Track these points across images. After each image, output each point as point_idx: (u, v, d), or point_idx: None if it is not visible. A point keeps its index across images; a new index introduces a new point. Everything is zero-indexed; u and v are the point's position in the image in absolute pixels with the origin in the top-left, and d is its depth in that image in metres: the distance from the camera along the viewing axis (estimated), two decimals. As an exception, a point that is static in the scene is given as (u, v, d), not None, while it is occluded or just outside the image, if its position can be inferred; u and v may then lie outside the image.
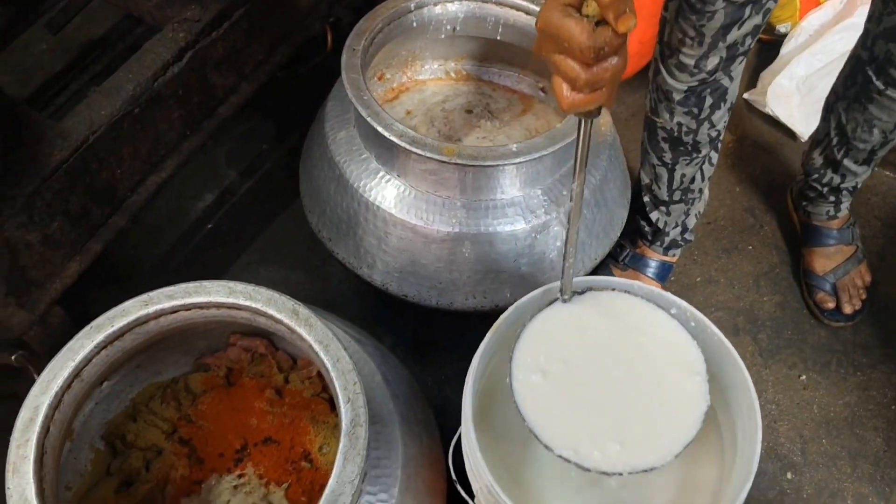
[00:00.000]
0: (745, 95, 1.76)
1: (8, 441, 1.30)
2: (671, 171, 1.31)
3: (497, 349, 0.99)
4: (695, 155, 1.27)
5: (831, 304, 1.47)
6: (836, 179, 1.42)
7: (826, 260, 1.49)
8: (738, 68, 1.15)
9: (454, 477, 1.01)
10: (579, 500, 1.00)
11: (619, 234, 1.33)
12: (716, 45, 1.08)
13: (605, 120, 1.29)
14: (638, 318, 0.94)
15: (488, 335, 0.96)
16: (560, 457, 0.84)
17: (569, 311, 0.94)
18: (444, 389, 1.38)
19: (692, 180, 1.33)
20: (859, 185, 1.44)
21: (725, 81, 1.16)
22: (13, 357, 1.15)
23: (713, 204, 1.62)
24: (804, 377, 1.42)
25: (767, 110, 1.72)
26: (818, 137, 1.42)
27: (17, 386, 1.27)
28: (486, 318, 1.43)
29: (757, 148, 1.73)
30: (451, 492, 1.09)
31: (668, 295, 0.99)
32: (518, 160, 1.10)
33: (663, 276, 1.49)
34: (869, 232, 1.59)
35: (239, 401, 1.18)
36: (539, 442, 0.85)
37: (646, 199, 1.41)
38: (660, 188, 1.36)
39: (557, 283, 0.95)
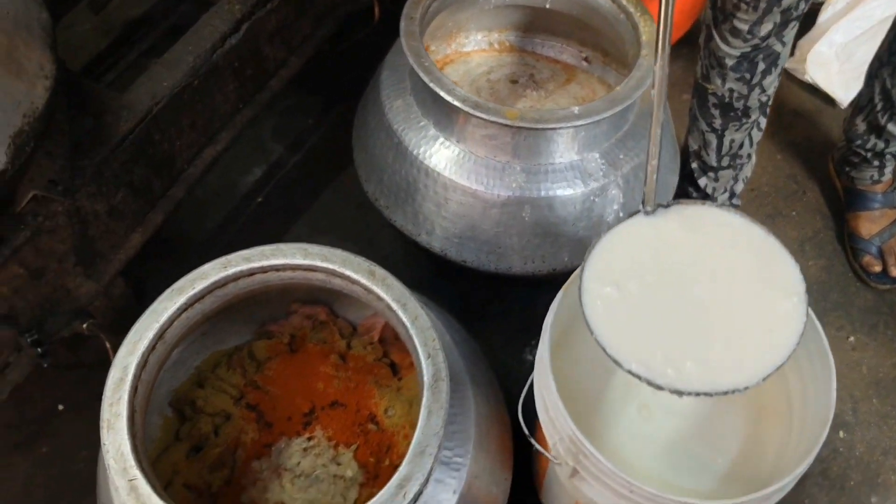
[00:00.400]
0: (784, 65, 1.77)
1: (76, 407, 1.33)
2: (720, 137, 1.32)
3: (570, 304, 1.00)
4: (744, 120, 1.28)
5: (878, 268, 1.48)
6: (881, 145, 1.43)
7: (871, 224, 1.51)
8: (791, 33, 1.16)
9: (526, 431, 1.03)
10: (648, 450, 1.02)
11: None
12: (770, 9, 1.08)
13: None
14: (729, 233, 0.87)
15: (563, 289, 0.97)
16: (629, 372, 0.80)
17: (651, 223, 0.88)
18: (497, 355, 1.40)
19: (741, 146, 1.34)
20: None
21: (778, 47, 1.17)
22: (84, 325, 1.17)
23: (755, 171, 1.63)
24: (852, 339, 1.44)
25: (806, 78, 1.73)
26: (861, 103, 1.43)
27: (80, 356, 1.30)
28: (536, 286, 1.45)
29: (797, 116, 1.74)
30: (516, 451, 1.12)
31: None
32: (580, 122, 1.11)
33: (710, 242, 1.50)
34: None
35: (304, 366, 1.20)
36: (607, 356, 0.81)
37: (694, 165, 1.42)
38: (708, 154, 1.37)
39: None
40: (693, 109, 1.35)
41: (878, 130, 1.41)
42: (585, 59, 1.52)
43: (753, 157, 1.43)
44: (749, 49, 1.16)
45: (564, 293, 0.98)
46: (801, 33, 1.78)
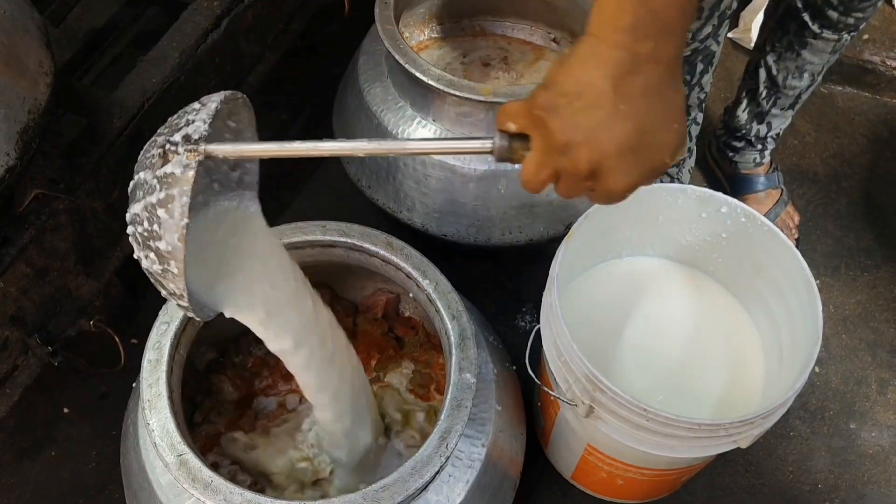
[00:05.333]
0: (730, 35, 1.87)
1: (80, 409, 1.33)
2: None
3: (568, 258, 1.06)
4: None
5: None
6: (763, 130, 1.50)
7: (759, 205, 1.56)
8: (724, 31, 1.22)
9: (538, 381, 1.09)
10: (647, 392, 1.08)
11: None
12: (712, 15, 1.14)
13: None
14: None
15: (564, 242, 1.04)
16: None
17: None
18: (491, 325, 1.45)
19: None
20: (780, 133, 1.53)
21: (714, 46, 1.23)
22: (91, 322, 1.18)
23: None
24: (818, 282, 1.52)
25: (751, 46, 1.83)
26: (742, 95, 1.49)
27: (81, 357, 1.30)
28: (519, 261, 1.51)
29: (744, 82, 1.84)
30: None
31: (720, 195, 1.09)
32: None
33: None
34: (857, 148, 1.72)
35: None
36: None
37: None
38: None
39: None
40: None
41: (761, 116, 1.47)
42: (554, 41, 1.59)
43: (694, 150, 1.51)
44: (689, 53, 1.21)
45: (566, 246, 1.04)
46: (742, 6, 1.89)
